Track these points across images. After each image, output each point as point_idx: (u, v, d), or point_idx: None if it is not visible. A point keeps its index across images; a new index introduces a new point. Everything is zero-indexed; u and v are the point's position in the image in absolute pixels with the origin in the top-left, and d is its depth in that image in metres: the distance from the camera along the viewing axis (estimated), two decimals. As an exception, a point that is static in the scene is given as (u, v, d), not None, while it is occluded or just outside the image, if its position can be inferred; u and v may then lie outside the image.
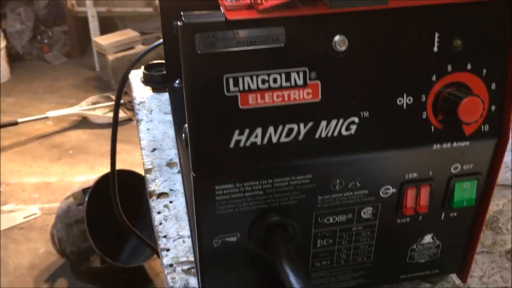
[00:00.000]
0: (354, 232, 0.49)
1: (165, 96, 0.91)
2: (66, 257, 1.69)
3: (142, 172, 0.72)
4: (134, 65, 0.81)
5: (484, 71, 0.44)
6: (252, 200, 0.45)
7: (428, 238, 0.52)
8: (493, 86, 0.45)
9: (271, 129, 0.42)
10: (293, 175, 0.44)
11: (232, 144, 0.42)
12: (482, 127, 0.46)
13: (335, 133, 0.44)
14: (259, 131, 0.42)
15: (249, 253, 0.47)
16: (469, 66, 0.44)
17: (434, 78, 0.44)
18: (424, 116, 0.45)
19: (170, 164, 0.75)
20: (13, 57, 3.16)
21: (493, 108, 0.46)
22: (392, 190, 0.48)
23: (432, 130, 0.45)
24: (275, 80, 0.41)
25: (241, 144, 0.42)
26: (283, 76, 0.41)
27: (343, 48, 0.41)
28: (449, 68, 0.44)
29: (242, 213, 0.45)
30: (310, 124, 0.43)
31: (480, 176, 0.48)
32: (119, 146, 0.83)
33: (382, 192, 0.48)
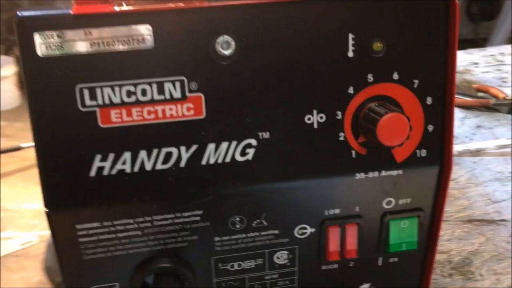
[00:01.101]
0: (268, 281, 0.40)
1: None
2: (57, 286, 1.60)
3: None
4: None
5: (416, 82, 0.36)
6: (128, 242, 0.36)
7: (365, 289, 0.42)
8: (429, 100, 0.36)
9: (143, 154, 0.34)
10: (177, 211, 0.36)
11: (93, 172, 0.34)
12: (418, 152, 0.37)
13: (227, 159, 0.35)
14: (127, 156, 0.34)
15: (134, 307, 0.38)
16: (395, 76, 0.35)
17: (351, 90, 0.35)
18: (341, 138, 0.36)
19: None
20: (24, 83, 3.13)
21: (430, 128, 0.37)
22: (309, 230, 0.39)
23: (353, 155, 0.36)
24: (144, 92, 0.33)
25: (105, 172, 0.34)
26: (155, 87, 0.33)
27: (229, 52, 0.33)
28: (370, 77, 0.35)
29: (118, 259, 0.36)
30: (194, 147, 0.34)
31: (421, 212, 0.39)
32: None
33: (298, 233, 0.38)
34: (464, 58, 1.20)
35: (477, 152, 0.82)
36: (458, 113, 0.93)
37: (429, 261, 0.41)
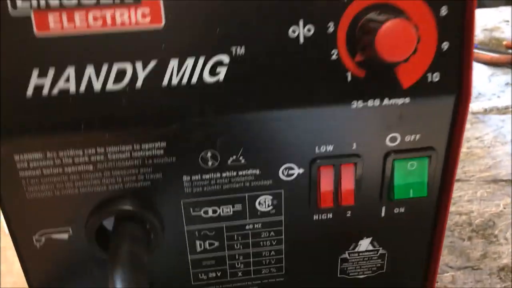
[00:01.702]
0: (250, 231, 0.34)
1: None
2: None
3: None
4: None
5: (427, -14, 0.29)
6: (79, 179, 0.30)
7: (365, 244, 0.36)
8: (443, 10, 0.29)
9: (90, 70, 0.28)
10: (135, 141, 0.30)
11: (30, 92, 0.28)
12: (429, 75, 0.30)
13: (194, 79, 0.29)
14: (70, 71, 0.28)
15: (91, 258, 0.33)
16: (401, -23, 0.28)
17: (346, -5, 0.28)
18: (334, 56, 0.29)
19: None
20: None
21: (444, 45, 0.30)
22: (297, 170, 0.32)
23: (349, 78, 0.30)
24: (88, -8, 0.27)
25: (45, 91, 0.28)
26: (101, -14, 0.27)
27: None
28: (370, -21, 0.28)
29: (68, 199, 0.31)
30: (152, 64, 0.28)
31: (432, 152, 0.33)
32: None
33: (283, 174, 0.32)
34: (494, 15, 1.11)
35: (505, 110, 0.74)
36: (486, 70, 0.86)
37: (442, 214, 0.35)
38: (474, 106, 0.74)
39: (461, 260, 0.48)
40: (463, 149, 0.64)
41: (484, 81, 0.82)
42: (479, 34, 1.03)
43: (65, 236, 0.32)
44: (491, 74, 0.85)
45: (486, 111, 0.74)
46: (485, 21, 1.09)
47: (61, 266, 0.33)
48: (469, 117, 0.77)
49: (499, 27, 1.05)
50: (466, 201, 0.56)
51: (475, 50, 0.95)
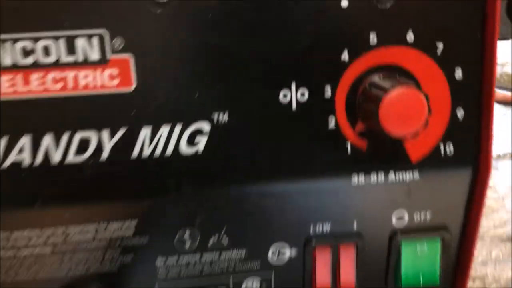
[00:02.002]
0: (235, 319, 0.30)
1: None
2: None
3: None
4: None
5: (439, 46, 0.25)
6: (34, 263, 0.26)
7: (369, 333, 0.31)
8: (458, 74, 0.26)
9: (48, 140, 0.24)
10: (100, 220, 0.26)
11: (-23, 164, 0.24)
12: (442, 147, 0.26)
13: (169, 150, 0.25)
14: (25, 141, 0.24)
15: None
16: (409, 36, 0.25)
17: (345, 56, 0.25)
18: (331, 125, 0.25)
19: None
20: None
21: (459, 113, 0.26)
22: (289, 251, 0.28)
23: (349, 149, 0.26)
24: (47, 51, 0.23)
25: (-5, 163, 0.24)
26: (62, 43, 0.23)
27: (167, -5, 0.23)
28: (373, 38, 0.25)
29: (22, 285, 0.27)
30: (121, 132, 0.24)
31: (445, 232, 0.28)
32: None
33: (273, 255, 0.28)
34: (505, 48, 1.07)
35: (521, 156, 0.70)
36: (497, 109, 0.81)
37: (456, 300, 0.30)
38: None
39: None
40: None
41: (495, 122, 0.78)
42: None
43: (20, 325, 0.28)
44: (503, 114, 0.81)
45: (499, 157, 0.70)
46: (500, 54, 1.05)
47: None
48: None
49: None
50: (480, 263, 0.51)
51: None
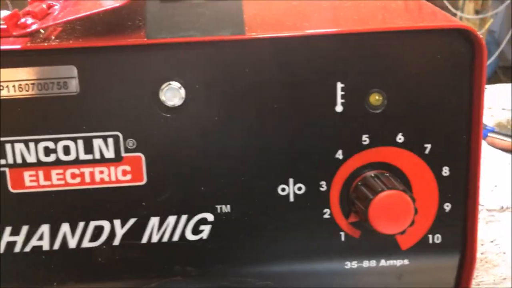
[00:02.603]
0: None
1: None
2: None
3: None
4: None
5: (427, 146, 0.27)
6: (51, 334, 0.28)
7: None
8: (445, 171, 0.27)
9: (65, 228, 0.26)
10: (111, 300, 0.28)
11: (1, 249, 0.26)
12: (430, 237, 0.28)
13: (175, 237, 0.27)
14: (45, 229, 0.26)
15: None
16: (399, 138, 0.27)
17: (340, 155, 0.27)
18: (326, 215, 0.27)
19: None
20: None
21: (446, 207, 0.28)
22: (287, 328, 0.30)
23: (342, 238, 0.28)
24: (67, 150, 0.26)
25: (17, 248, 0.26)
26: (81, 143, 0.26)
27: (177, 102, 0.25)
28: (365, 139, 0.27)
29: None
30: (132, 221, 0.27)
31: (435, 314, 0.30)
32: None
33: (271, 331, 0.30)
34: None
35: (524, 208, 0.71)
36: (505, 158, 0.82)
37: None
38: (489, 202, 0.71)
39: None
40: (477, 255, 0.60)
41: (502, 171, 0.79)
42: (496, 115, 0.99)
43: None
44: (510, 163, 0.81)
45: (503, 209, 0.71)
46: (504, 98, 1.04)
47: None
48: (484, 215, 0.73)
49: (521, 106, 1.01)
50: (480, 321, 0.52)
51: (492, 135, 0.91)
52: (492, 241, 0.66)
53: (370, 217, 0.25)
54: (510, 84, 1.13)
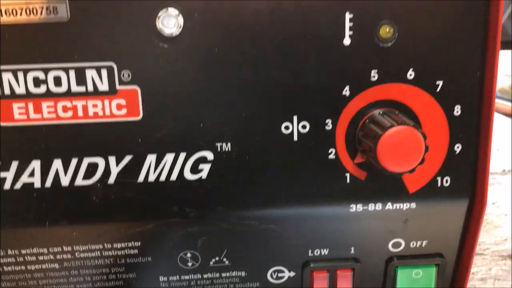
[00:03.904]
0: (234, 334, 0.31)
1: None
2: None
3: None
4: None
5: (439, 83, 0.26)
6: (43, 277, 0.27)
7: None
8: (457, 110, 0.26)
9: (57, 164, 0.25)
10: (106, 241, 0.27)
11: (-10, 185, 0.25)
12: (438, 180, 0.27)
13: (173, 176, 0.26)
14: (36, 165, 0.25)
15: None
16: (410, 74, 0.25)
17: (347, 91, 0.25)
18: (331, 156, 0.26)
19: None
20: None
21: (457, 148, 0.27)
22: (288, 274, 0.29)
23: (348, 179, 0.27)
24: (58, 81, 0.24)
25: (7, 185, 0.25)
26: (72, 74, 0.24)
27: (174, 31, 0.24)
28: (374, 75, 0.25)
29: (32, 296, 0.28)
30: (128, 158, 0.25)
31: (441, 260, 0.29)
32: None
33: (272, 277, 0.29)
34: None
35: (527, 171, 0.70)
36: (506, 122, 0.81)
37: (449, 323, 0.31)
38: (491, 165, 0.70)
39: None
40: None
41: (503, 135, 0.78)
42: (498, 80, 0.98)
43: (28, 334, 0.29)
44: (512, 126, 0.80)
45: (504, 172, 0.70)
46: (507, 64, 1.03)
47: None
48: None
49: (524, 72, 1.00)
50: (479, 279, 0.51)
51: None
52: (493, 203, 0.65)
53: (378, 154, 0.24)
54: (511, 51, 1.11)
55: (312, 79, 0.25)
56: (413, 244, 0.28)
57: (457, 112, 0.26)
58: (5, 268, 0.27)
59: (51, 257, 0.27)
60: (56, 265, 0.27)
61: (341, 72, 0.25)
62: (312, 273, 0.29)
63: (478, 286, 0.50)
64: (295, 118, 0.25)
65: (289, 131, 0.26)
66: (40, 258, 0.27)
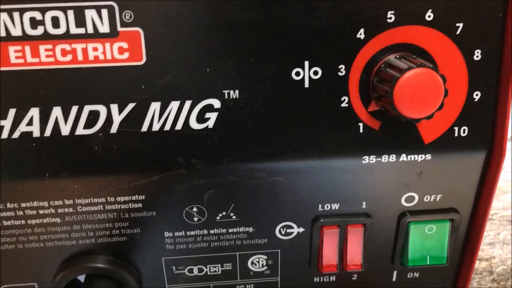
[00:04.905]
0: (241, 292, 0.30)
1: None
2: None
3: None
4: None
5: (459, 26, 0.24)
6: (44, 232, 0.27)
7: (373, 309, 0.32)
8: (477, 55, 0.25)
9: (57, 112, 0.24)
10: (108, 194, 0.26)
11: (-14, 134, 0.24)
12: (456, 129, 0.26)
13: (178, 125, 0.25)
14: (34, 113, 0.24)
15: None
16: (428, 15, 0.24)
17: (361, 34, 0.24)
18: (344, 104, 0.25)
19: None
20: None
21: (476, 95, 0.25)
22: (297, 229, 0.28)
23: (361, 129, 0.25)
24: (56, 22, 0.23)
25: (4, 134, 0.24)
26: (71, 14, 0.23)
27: (179, -32, 0.22)
28: (390, 17, 0.24)
29: (33, 253, 0.27)
30: (130, 106, 0.24)
31: (455, 215, 0.28)
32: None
33: (281, 232, 0.28)
34: None
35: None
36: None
37: (462, 282, 0.30)
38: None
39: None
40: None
41: None
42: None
43: (29, 291, 0.28)
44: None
45: (512, 137, 0.69)
46: None
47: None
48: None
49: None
50: (488, 244, 0.51)
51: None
52: (502, 169, 0.64)
53: (395, 99, 0.22)
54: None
55: (325, 22, 0.24)
56: (427, 198, 0.27)
57: (477, 57, 0.25)
58: (5, 223, 0.26)
59: (52, 210, 0.26)
60: (58, 219, 0.26)
61: (355, 13, 0.24)
62: (322, 229, 0.28)
63: (486, 250, 0.50)
64: (306, 63, 0.24)
65: (300, 77, 0.24)
66: (41, 212, 0.26)
